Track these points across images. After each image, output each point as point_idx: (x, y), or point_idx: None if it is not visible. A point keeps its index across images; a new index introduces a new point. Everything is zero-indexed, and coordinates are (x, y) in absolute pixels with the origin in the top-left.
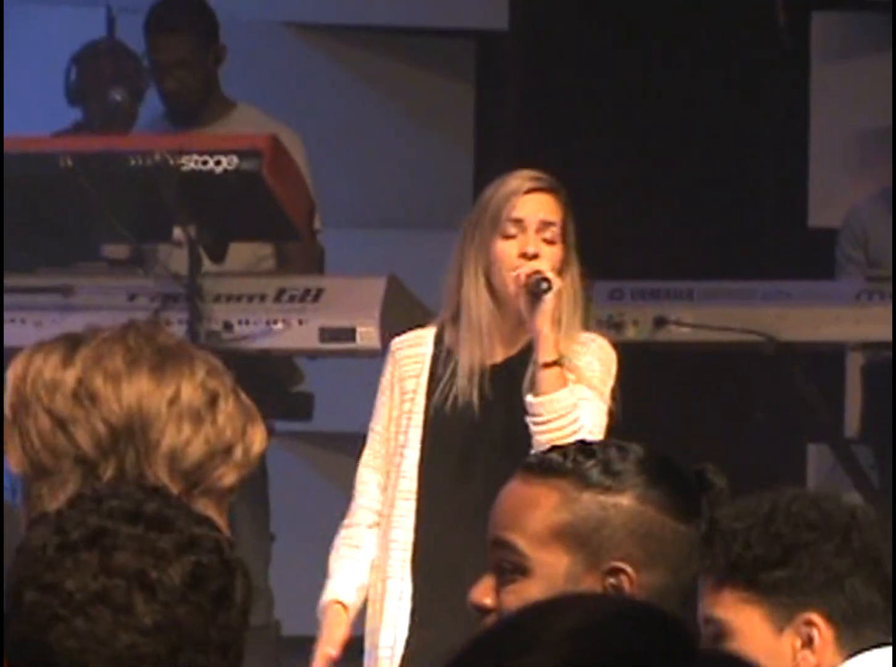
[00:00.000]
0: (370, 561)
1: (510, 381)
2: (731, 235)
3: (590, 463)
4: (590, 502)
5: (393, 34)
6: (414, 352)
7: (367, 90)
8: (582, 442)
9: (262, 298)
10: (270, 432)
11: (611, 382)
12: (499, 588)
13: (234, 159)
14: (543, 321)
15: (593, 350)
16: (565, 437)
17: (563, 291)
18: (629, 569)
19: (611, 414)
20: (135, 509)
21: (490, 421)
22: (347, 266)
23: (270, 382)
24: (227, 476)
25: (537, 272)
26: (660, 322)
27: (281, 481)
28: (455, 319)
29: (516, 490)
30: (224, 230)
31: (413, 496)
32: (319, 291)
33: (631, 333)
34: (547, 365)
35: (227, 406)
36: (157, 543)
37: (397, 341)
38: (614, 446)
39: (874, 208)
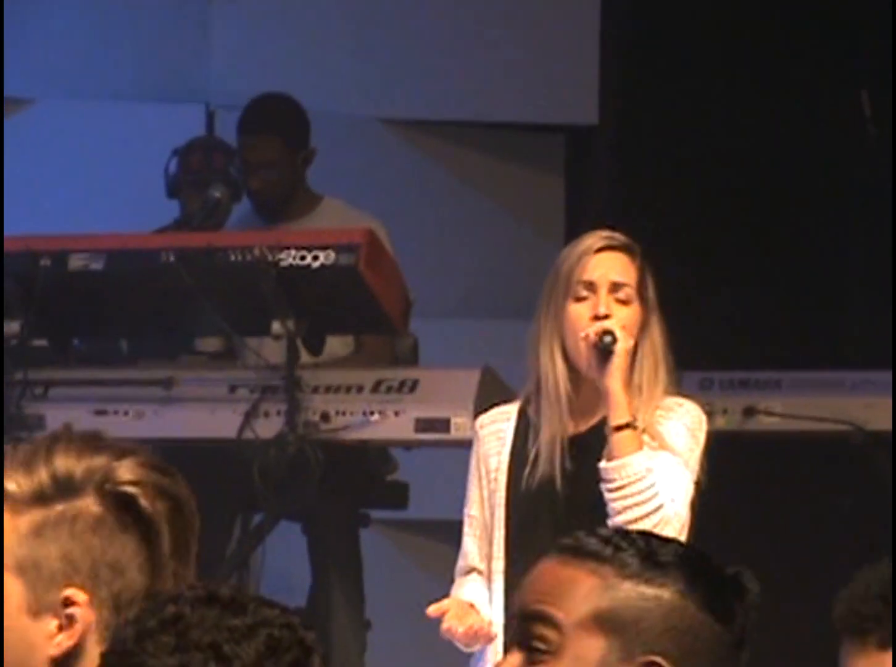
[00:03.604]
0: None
1: (592, 451)
2: (818, 324)
3: (630, 551)
4: (631, 591)
5: (484, 129)
6: (496, 428)
7: (457, 184)
8: (621, 530)
9: (360, 389)
10: (367, 521)
11: (698, 449)
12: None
13: (332, 254)
14: (613, 380)
15: (680, 415)
16: (641, 503)
17: (644, 352)
18: (664, 664)
19: (698, 484)
20: (208, 595)
21: (576, 494)
22: (438, 356)
23: (366, 472)
24: None
25: (605, 330)
26: (749, 412)
27: (376, 569)
28: (538, 390)
29: (553, 569)
30: (321, 324)
31: (502, 577)
32: (415, 383)
33: (720, 423)
34: (619, 428)
35: None
36: (231, 621)
37: (481, 419)
38: (654, 537)
39: None
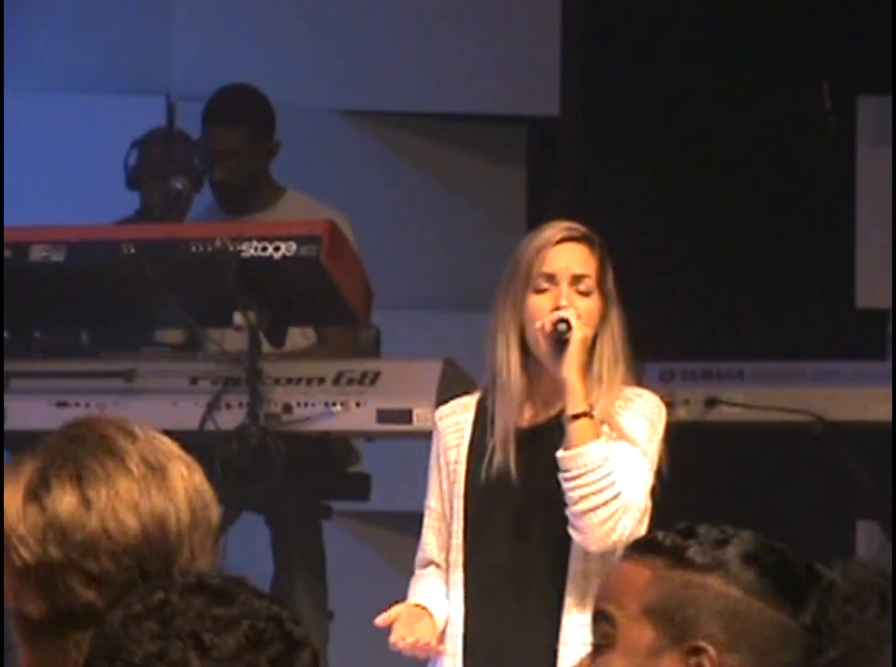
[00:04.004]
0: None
1: (551, 441)
2: (779, 315)
3: (687, 542)
4: (677, 580)
5: (445, 120)
6: (455, 420)
7: (419, 175)
8: (687, 525)
9: (321, 380)
10: (329, 513)
11: (657, 439)
12: (591, 663)
13: (293, 245)
14: (569, 368)
15: (639, 405)
16: (596, 492)
17: (603, 342)
18: (711, 649)
19: (658, 473)
20: (198, 583)
21: (532, 485)
22: (400, 348)
23: (328, 463)
24: None
25: (559, 319)
26: (711, 402)
27: (338, 560)
28: (494, 382)
29: (617, 567)
30: (283, 315)
31: (461, 569)
32: (377, 374)
33: (682, 414)
34: (576, 416)
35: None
36: (215, 610)
37: (440, 410)
38: (717, 529)
39: None
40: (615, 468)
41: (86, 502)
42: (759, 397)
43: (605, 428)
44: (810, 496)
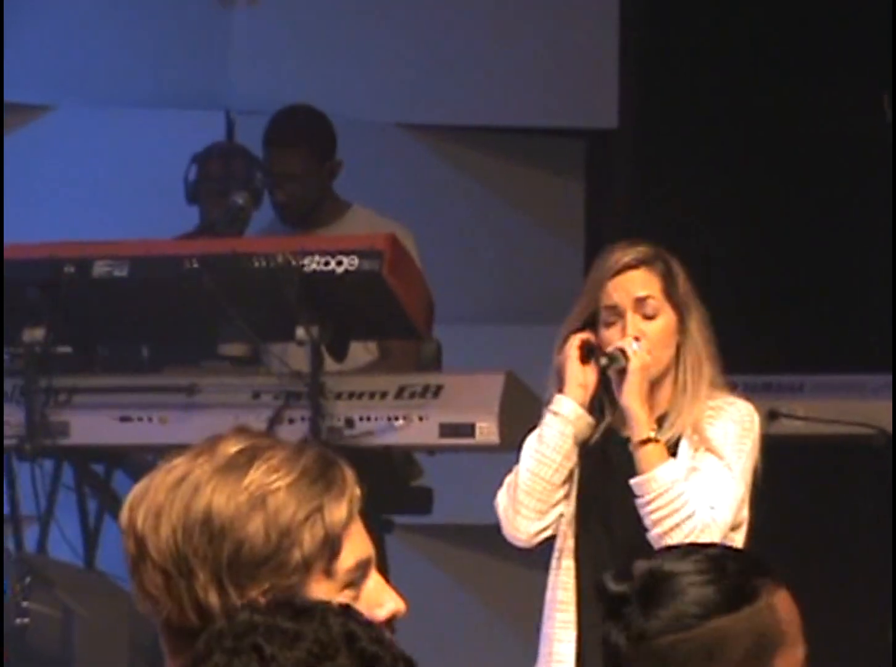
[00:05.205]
0: None
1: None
2: (840, 328)
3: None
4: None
5: (504, 133)
6: None
7: (479, 188)
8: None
9: (384, 394)
10: (391, 526)
11: (748, 447)
12: None
13: (355, 260)
14: (629, 397)
15: (730, 414)
16: (669, 514)
17: (685, 350)
18: None
19: (754, 482)
20: (286, 602)
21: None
22: (461, 361)
23: (390, 477)
24: None
25: (609, 353)
26: (772, 415)
27: (400, 574)
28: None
29: None
30: (345, 329)
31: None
32: (439, 388)
33: None
34: (642, 443)
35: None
36: (284, 625)
37: None
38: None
39: None
40: (688, 488)
41: None
42: (820, 410)
43: (694, 437)
44: (872, 509)
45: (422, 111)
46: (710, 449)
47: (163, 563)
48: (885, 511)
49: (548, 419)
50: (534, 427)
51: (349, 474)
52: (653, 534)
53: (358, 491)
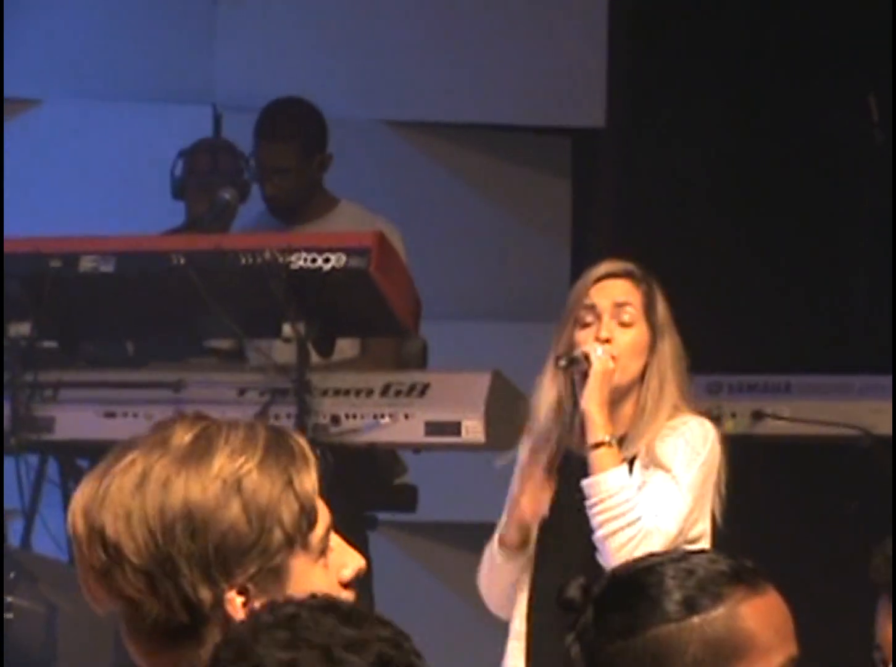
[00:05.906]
0: None
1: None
2: (827, 328)
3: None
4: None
5: (490, 131)
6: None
7: (465, 186)
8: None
9: (370, 392)
10: (375, 524)
11: (700, 461)
12: None
13: (342, 257)
14: (588, 400)
15: (681, 431)
16: (615, 517)
17: (650, 373)
18: None
19: (719, 496)
20: (327, 604)
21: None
22: (446, 358)
23: (375, 475)
24: None
25: (572, 356)
26: (758, 415)
27: (384, 572)
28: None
29: None
30: (332, 326)
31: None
32: (425, 386)
33: (729, 427)
34: (595, 446)
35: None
36: (345, 630)
37: None
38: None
39: None
40: (635, 495)
41: None
42: (806, 411)
43: (646, 457)
44: (856, 510)
45: (407, 108)
46: (658, 465)
47: (144, 566)
48: (869, 512)
49: (495, 549)
50: (521, 427)
51: (303, 441)
52: (597, 535)
53: (313, 457)
